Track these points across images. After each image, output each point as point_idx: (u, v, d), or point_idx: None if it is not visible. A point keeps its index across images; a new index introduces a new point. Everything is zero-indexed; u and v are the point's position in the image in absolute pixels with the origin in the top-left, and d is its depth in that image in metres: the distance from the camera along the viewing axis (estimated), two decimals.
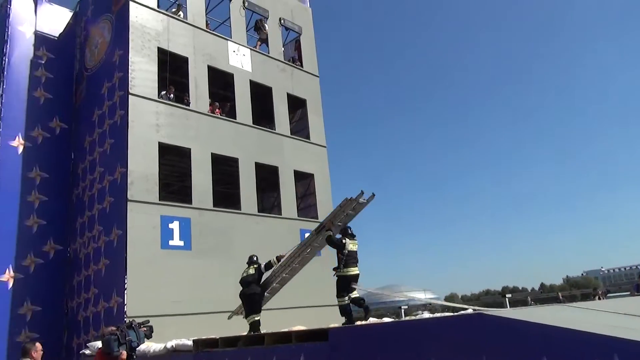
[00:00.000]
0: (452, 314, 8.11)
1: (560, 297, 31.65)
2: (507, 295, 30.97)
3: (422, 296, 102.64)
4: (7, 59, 15.53)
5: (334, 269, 8.34)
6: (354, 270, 8.21)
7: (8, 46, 15.64)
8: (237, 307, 10.10)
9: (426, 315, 13.31)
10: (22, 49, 15.97)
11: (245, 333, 8.80)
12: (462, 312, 8.24)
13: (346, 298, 8.31)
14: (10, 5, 16.04)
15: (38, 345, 6.06)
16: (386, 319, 16.01)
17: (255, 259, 9.72)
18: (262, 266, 9.58)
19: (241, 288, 9.37)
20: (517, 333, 4.06)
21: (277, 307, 14.21)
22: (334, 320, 11.92)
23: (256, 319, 9.16)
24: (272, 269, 9.67)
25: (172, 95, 14.66)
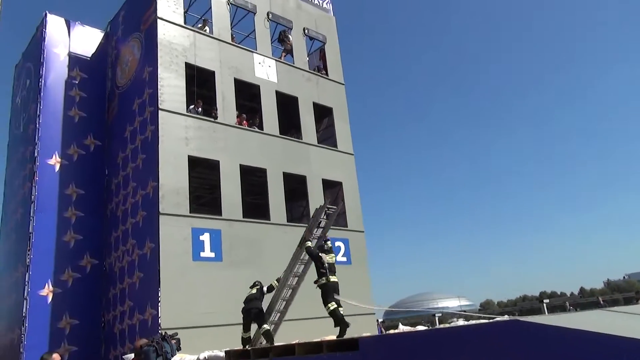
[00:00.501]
0: (487, 321, 7.92)
1: (601, 302, 30.56)
2: (545, 301, 30.10)
3: (456, 304, 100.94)
4: (43, 81, 16.11)
5: (315, 282, 9.04)
6: (334, 278, 8.96)
7: (44, 68, 16.23)
8: (254, 338, 10.04)
9: (461, 323, 13.03)
10: (57, 70, 16.55)
11: (278, 344, 8.78)
12: (498, 318, 8.05)
13: (333, 303, 8.84)
14: (46, 29, 16.68)
15: (56, 356, 6.16)
16: (420, 327, 15.75)
17: (257, 282, 10.31)
18: (265, 288, 10.22)
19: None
20: (556, 340, 3.91)
21: (305, 317, 14.21)
22: (363, 330, 11.80)
23: (267, 328, 9.53)
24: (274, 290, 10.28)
25: (200, 109, 14.92)
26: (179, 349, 7.46)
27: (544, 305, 26.83)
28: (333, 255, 9.25)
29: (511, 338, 4.30)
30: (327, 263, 8.98)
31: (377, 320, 18.67)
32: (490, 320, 6.76)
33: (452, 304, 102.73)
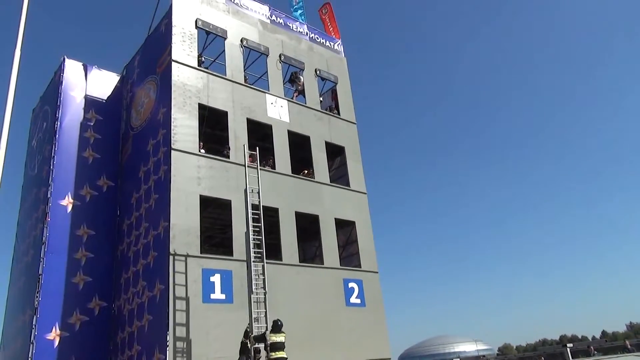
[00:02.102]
0: None
1: (629, 346, 29.19)
2: (568, 345, 28.90)
3: (473, 348, 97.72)
4: (59, 123, 16.34)
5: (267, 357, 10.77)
6: (278, 354, 10.59)
7: (60, 111, 16.49)
8: None
9: None
10: (73, 112, 16.81)
11: None
12: None
13: None
14: (63, 73, 17.06)
15: None
16: None
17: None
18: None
19: None
20: None
21: None
22: None
23: None
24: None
25: (202, 150, 14.82)
26: None
27: (568, 350, 25.74)
28: (282, 333, 10.90)
29: None
30: (273, 341, 10.69)
31: None
32: None
33: (469, 348, 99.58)
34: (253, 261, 12.21)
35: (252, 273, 12.05)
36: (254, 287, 11.86)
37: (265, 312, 11.71)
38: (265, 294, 11.94)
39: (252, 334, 11.20)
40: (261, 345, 11.11)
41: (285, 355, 10.71)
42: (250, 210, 12.62)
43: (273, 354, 10.59)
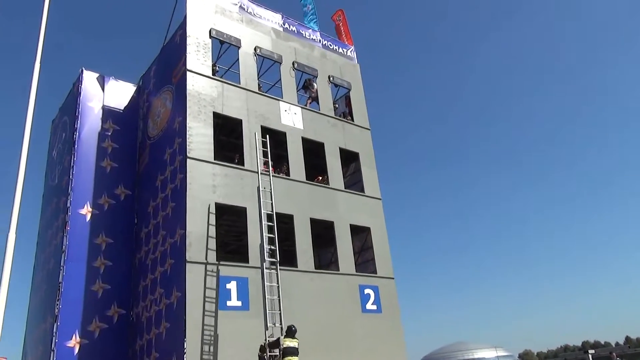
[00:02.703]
0: None
1: None
2: (590, 352, 28.38)
3: (493, 354, 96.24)
4: (77, 133, 16.65)
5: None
6: (291, 359, 10.79)
7: (79, 121, 16.82)
8: None
9: None
10: (91, 123, 17.12)
11: None
12: None
13: None
14: (81, 84, 17.40)
15: None
16: None
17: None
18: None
19: None
20: None
21: None
22: None
23: None
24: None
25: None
26: None
27: (590, 356, 25.26)
28: (295, 339, 11.13)
29: None
30: (286, 346, 10.91)
31: None
32: None
33: (488, 354, 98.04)
34: (266, 268, 12.31)
35: (266, 280, 12.13)
36: (267, 294, 11.92)
37: (280, 319, 11.76)
38: (279, 300, 11.99)
39: (267, 345, 11.32)
40: (275, 351, 11.19)
41: None
42: (265, 219, 12.71)
43: (287, 358, 10.79)
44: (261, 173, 15.37)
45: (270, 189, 13.64)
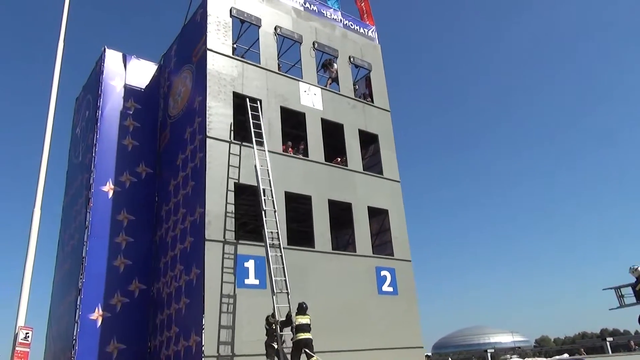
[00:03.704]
0: (545, 358, 7.36)
1: None
2: (608, 339, 28.06)
3: (509, 339, 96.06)
4: (100, 112, 16.87)
5: (291, 339, 11.07)
6: (303, 336, 10.86)
7: (101, 100, 17.02)
8: None
9: (515, 359, 12.29)
10: (113, 101, 17.31)
11: None
12: (557, 357, 7.47)
13: None
14: (104, 63, 17.56)
15: None
16: None
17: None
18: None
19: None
20: None
21: (353, 349, 13.80)
22: None
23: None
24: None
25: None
26: None
27: (607, 343, 25.01)
28: (307, 315, 11.18)
29: None
30: (299, 323, 10.98)
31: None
32: (550, 359, 6.25)
33: (505, 339, 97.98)
34: (270, 246, 12.64)
35: (271, 259, 12.38)
36: (273, 272, 12.15)
37: (288, 297, 11.96)
38: (286, 279, 12.22)
39: (274, 319, 11.38)
40: (288, 328, 11.33)
41: (310, 337, 10.96)
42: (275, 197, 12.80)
43: (299, 334, 10.86)
44: (281, 153, 15.46)
45: (267, 167, 13.93)
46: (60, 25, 15.05)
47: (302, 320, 11.08)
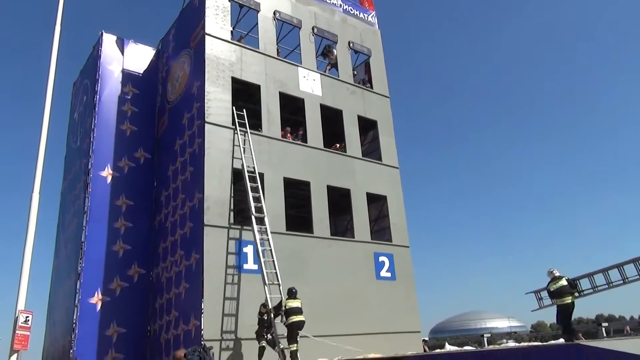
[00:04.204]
0: (540, 343, 7.46)
1: None
2: (604, 324, 28.36)
3: (506, 324, 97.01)
4: (98, 96, 16.79)
5: (283, 322, 11.32)
6: (296, 318, 11.12)
7: (99, 84, 16.92)
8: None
9: (511, 344, 12.46)
10: (111, 86, 17.22)
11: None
12: (553, 342, 7.57)
13: (295, 345, 10.99)
14: (101, 47, 17.42)
15: None
16: (468, 348, 15.13)
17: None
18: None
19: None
20: None
21: (351, 334, 13.92)
22: (408, 348, 11.43)
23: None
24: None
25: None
26: None
27: (603, 328, 25.28)
28: (297, 299, 11.41)
29: None
30: (289, 307, 11.21)
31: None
32: (546, 343, 6.33)
33: (501, 324, 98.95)
34: (258, 231, 12.76)
35: (258, 242, 12.51)
36: (264, 265, 12.24)
37: (279, 288, 12.12)
38: (274, 262, 12.40)
39: (265, 309, 11.58)
40: (278, 318, 11.52)
41: (303, 319, 11.20)
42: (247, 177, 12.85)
43: (292, 317, 11.07)
44: (280, 139, 15.44)
45: (250, 147, 14.04)
46: (57, 8, 14.90)
47: (294, 304, 11.30)
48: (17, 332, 11.26)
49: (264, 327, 11.55)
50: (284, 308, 11.30)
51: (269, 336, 11.50)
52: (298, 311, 11.20)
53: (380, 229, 17.37)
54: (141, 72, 18.10)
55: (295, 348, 10.98)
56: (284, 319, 11.23)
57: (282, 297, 11.74)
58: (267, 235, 12.86)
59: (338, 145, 17.36)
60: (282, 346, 11.20)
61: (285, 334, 11.22)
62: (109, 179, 15.97)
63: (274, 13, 16.92)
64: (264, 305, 11.69)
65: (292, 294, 11.49)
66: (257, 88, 15.53)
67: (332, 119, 17.16)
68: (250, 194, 13.19)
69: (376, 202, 17.41)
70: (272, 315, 11.46)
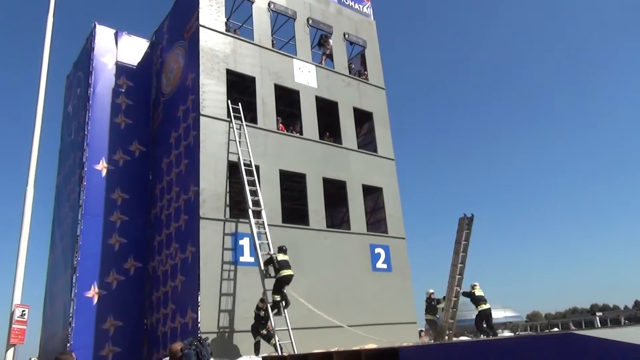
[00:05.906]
0: (535, 333, 7.51)
1: None
2: (598, 314, 28.69)
3: (501, 314, 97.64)
4: (92, 89, 16.65)
5: (272, 276, 11.88)
6: (286, 272, 11.69)
7: (93, 77, 16.78)
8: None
9: (507, 334, 12.55)
10: (105, 78, 17.08)
11: (316, 351, 8.64)
12: (547, 331, 7.64)
13: (278, 296, 11.59)
14: (95, 39, 17.26)
15: (73, 355, 6.05)
16: (464, 338, 15.23)
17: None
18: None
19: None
20: (611, 355, 3.57)
21: (347, 325, 13.97)
22: (405, 338, 11.47)
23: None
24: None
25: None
26: (212, 354, 7.40)
27: (597, 318, 25.57)
28: (285, 255, 12.04)
29: (564, 353, 3.98)
30: (280, 260, 11.80)
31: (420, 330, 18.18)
32: (540, 333, 6.38)
33: (497, 314, 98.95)
34: (255, 224, 12.83)
35: (255, 235, 12.61)
36: (261, 258, 12.27)
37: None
38: (270, 254, 12.46)
39: (263, 304, 11.70)
40: (270, 267, 12.01)
41: (292, 273, 11.80)
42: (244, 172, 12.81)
43: (282, 271, 11.65)
44: (275, 131, 15.38)
45: (246, 140, 14.05)
46: (49, 0, 14.75)
47: (283, 257, 11.93)
48: (13, 326, 11.27)
49: (261, 322, 11.60)
50: (276, 261, 11.82)
51: (265, 331, 11.57)
52: (287, 265, 11.80)
53: (376, 221, 17.41)
54: (135, 64, 17.96)
55: (278, 298, 11.56)
56: (274, 272, 11.80)
57: (272, 252, 12.24)
58: (265, 229, 12.86)
59: (327, 133, 17.28)
60: (277, 339, 11.23)
61: (275, 311, 11.63)
62: (104, 172, 15.90)
63: (269, 4, 16.81)
64: (262, 300, 11.71)
65: (282, 250, 12.08)
66: (252, 80, 15.46)
67: (327, 110, 17.12)
68: (247, 187, 13.17)
69: (372, 194, 17.43)
70: (269, 311, 11.50)
